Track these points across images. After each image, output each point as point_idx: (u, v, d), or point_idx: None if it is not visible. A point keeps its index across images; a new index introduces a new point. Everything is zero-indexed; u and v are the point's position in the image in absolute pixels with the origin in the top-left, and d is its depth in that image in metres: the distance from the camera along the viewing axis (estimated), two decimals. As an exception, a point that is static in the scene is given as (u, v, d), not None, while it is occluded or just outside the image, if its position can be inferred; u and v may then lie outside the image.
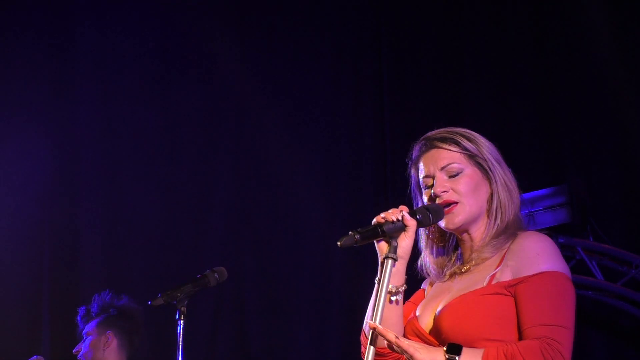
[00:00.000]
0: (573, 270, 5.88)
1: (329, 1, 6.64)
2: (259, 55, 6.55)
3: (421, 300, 2.74)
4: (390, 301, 2.59)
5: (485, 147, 2.70)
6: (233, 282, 5.69)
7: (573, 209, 5.83)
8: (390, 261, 2.51)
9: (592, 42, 6.29)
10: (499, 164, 2.69)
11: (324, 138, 6.49)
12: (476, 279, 2.58)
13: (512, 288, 2.49)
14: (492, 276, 2.55)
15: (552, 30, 6.30)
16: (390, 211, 2.56)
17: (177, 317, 3.91)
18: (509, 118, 6.37)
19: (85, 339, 4.99)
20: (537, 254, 2.53)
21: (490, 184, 2.67)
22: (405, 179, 2.64)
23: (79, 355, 4.99)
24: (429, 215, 2.61)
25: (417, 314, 2.67)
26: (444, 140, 2.70)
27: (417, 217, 2.58)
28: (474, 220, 2.65)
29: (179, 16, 6.48)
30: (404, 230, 2.55)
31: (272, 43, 6.56)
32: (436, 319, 2.56)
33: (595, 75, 6.30)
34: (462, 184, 2.65)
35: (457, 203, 2.65)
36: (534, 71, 6.36)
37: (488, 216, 2.67)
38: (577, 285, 5.93)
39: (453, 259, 2.72)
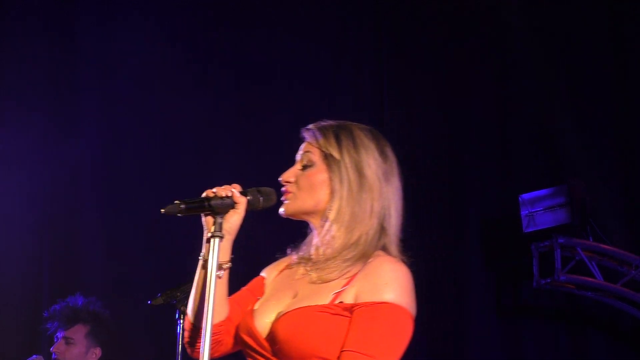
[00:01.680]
0: (573, 270, 5.91)
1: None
2: (260, 54, 6.54)
3: (261, 291, 2.67)
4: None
5: (352, 155, 2.57)
6: (233, 282, 5.68)
7: (573, 209, 5.83)
8: (216, 240, 2.47)
9: (591, 40, 6.30)
10: (359, 176, 2.55)
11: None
12: (321, 291, 2.49)
13: (351, 311, 2.41)
14: (337, 294, 2.45)
15: (551, 27, 6.30)
16: (222, 187, 2.54)
17: (177, 317, 3.91)
18: (509, 118, 6.37)
19: (68, 345, 4.96)
20: (385, 283, 2.42)
21: (332, 191, 2.57)
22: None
23: (55, 356, 4.97)
24: (259, 197, 2.58)
25: (254, 308, 2.60)
26: (311, 132, 2.64)
27: (247, 196, 2.56)
28: (305, 214, 2.59)
29: (178, 19, 6.47)
30: (233, 207, 2.52)
31: (270, 37, 6.53)
32: (273, 326, 2.48)
33: (595, 75, 6.30)
34: (305, 178, 2.60)
35: (290, 193, 2.62)
36: (534, 71, 6.36)
37: (322, 221, 2.58)
38: (577, 285, 5.93)
39: (306, 244, 2.65)
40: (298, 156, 2.65)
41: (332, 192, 2.57)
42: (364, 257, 2.49)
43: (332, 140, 2.60)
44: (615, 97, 6.33)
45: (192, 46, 6.46)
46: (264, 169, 6.38)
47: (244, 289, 2.71)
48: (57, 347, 4.97)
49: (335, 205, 2.55)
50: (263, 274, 2.74)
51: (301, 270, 2.60)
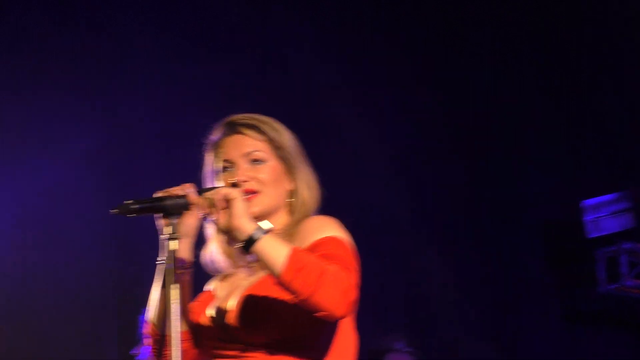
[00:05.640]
0: (639, 276, 5.85)
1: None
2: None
3: (210, 301, 2.57)
4: None
5: (290, 141, 2.57)
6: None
7: (637, 214, 5.80)
8: (172, 242, 2.37)
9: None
10: (301, 161, 2.57)
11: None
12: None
13: None
14: None
15: (607, 30, 6.26)
16: (175, 188, 2.40)
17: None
18: (573, 125, 6.34)
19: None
20: (321, 224, 2.44)
21: (292, 180, 2.56)
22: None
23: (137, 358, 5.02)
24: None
25: (211, 315, 2.52)
26: (250, 126, 2.55)
27: (203, 196, 2.40)
28: (269, 213, 2.50)
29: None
30: (187, 208, 2.40)
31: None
32: (235, 307, 2.43)
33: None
34: (265, 174, 2.52)
35: (257, 193, 2.51)
36: (593, 77, 6.32)
37: (288, 212, 2.55)
38: (641, 290, 5.90)
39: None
40: (236, 157, 2.54)
41: (292, 185, 2.55)
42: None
43: (273, 132, 2.55)
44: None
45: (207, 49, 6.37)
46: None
47: (194, 301, 2.62)
48: (135, 349, 5.02)
49: (299, 197, 2.54)
50: (207, 288, 2.66)
51: (242, 274, 2.55)
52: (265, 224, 2.30)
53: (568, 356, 6.18)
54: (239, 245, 2.30)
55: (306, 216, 2.54)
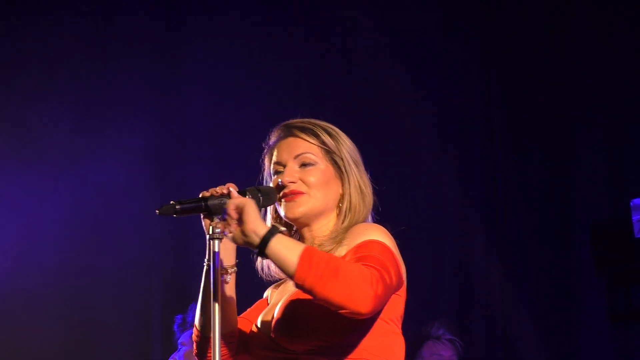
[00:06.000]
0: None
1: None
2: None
3: (263, 308, 2.66)
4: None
5: (345, 146, 2.62)
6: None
7: (687, 213, 5.75)
8: (216, 241, 2.39)
9: None
10: (356, 165, 2.62)
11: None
12: None
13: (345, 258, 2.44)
14: None
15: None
16: (217, 187, 2.45)
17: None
18: (620, 120, 6.29)
19: (180, 348, 5.00)
20: (365, 229, 2.49)
21: (343, 184, 2.60)
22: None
23: None
24: (259, 197, 2.48)
25: (258, 324, 2.60)
26: (304, 130, 2.61)
27: (246, 196, 2.45)
28: (316, 215, 2.56)
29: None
30: None
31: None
32: (276, 316, 2.50)
33: None
34: (313, 176, 2.57)
35: (303, 194, 2.56)
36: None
37: (337, 216, 2.60)
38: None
39: None
40: (286, 159, 2.59)
41: (342, 190, 2.59)
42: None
43: (327, 136, 2.60)
44: None
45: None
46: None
47: (249, 309, 2.71)
48: (171, 357, 5.02)
49: (346, 202, 2.58)
50: (265, 294, 2.75)
51: (291, 283, 2.58)
52: (277, 226, 2.31)
53: (617, 356, 6.13)
54: (255, 251, 2.30)
55: (356, 222, 2.55)
